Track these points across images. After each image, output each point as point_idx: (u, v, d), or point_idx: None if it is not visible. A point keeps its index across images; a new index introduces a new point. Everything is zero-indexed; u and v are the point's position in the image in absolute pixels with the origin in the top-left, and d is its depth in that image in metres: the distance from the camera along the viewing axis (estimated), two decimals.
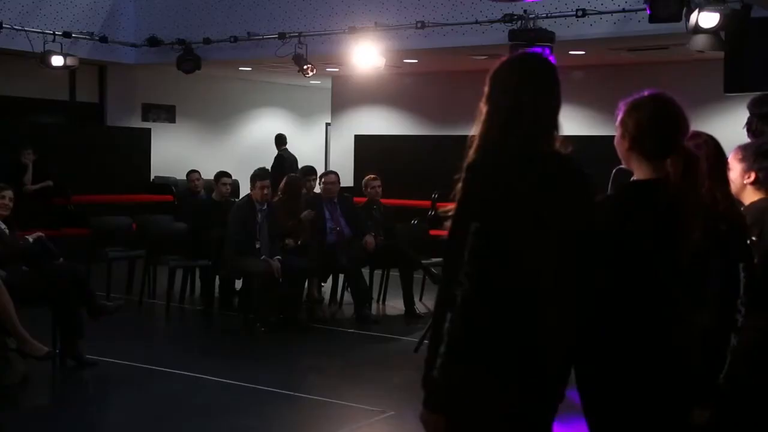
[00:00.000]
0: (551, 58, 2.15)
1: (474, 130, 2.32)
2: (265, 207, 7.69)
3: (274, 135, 13.81)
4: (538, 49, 2.28)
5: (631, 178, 2.81)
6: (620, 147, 2.50)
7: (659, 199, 2.39)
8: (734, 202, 2.81)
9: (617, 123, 2.51)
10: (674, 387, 2.38)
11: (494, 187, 2.19)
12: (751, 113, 3.96)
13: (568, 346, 2.29)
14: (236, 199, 8.89)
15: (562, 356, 2.28)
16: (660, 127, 2.42)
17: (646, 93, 2.48)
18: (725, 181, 2.75)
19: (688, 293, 2.42)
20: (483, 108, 2.31)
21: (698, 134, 2.80)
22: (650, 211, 2.38)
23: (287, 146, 13.63)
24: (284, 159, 13.19)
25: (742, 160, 3.10)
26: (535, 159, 2.26)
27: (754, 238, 2.88)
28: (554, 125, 2.30)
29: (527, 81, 2.29)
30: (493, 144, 2.26)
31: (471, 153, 2.26)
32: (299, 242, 7.87)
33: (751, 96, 4.10)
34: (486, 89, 2.32)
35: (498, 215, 2.17)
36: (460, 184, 2.22)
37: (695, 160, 2.38)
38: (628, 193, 2.46)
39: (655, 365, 2.36)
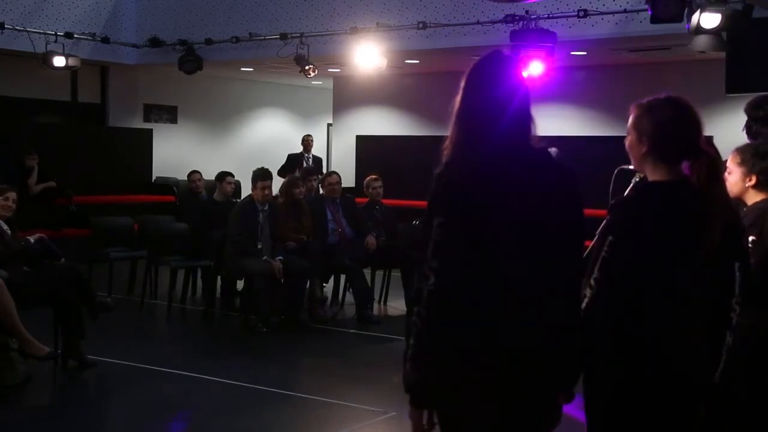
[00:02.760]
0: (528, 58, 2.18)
1: (448, 132, 2.34)
2: (266, 207, 7.69)
3: (302, 137, 13.83)
4: (506, 51, 2.30)
5: (634, 179, 2.81)
6: (635, 150, 2.48)
7: (680, 201, 2.38)
8: (729, 201, 2.81)
9: (629, 126, 2.50)
10: (681, 388, 2.38)
11: (457, 183, 2.21)
12: (748, 116, 3.95)
13: (555, 341, 2.26)
14: (238, 200, 8.90)
15: (540, 350, 2.23)
16: (680, 130, 2.42)
17: (662, 96, 2.47)
18: (720, 180, 2.76)
19: (710, 295, 2.42)
20: (455, 110, 2.33)
21: None
22: (670, 213, 2.38)
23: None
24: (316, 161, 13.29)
25: (741, 164, 3.10)
26: (504, 155, 2.26)
27: (753, 238, 2.88)
28: (525, 121, 2.30)
29: (490, 80, 2.30)
30: (460, 143, 2.28)
31: (444, 156, 2.29)
32: (303, 241, 7.88)
33: (753, 96, 4.08)
34: (459, 92, 2.34)
35: (460, 210, 2.19)
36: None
37: (719, 162, 2.39)
38: (647, 194, 2.45)
39: (667, 367, 2.35)
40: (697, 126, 2.43)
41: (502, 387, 2.22)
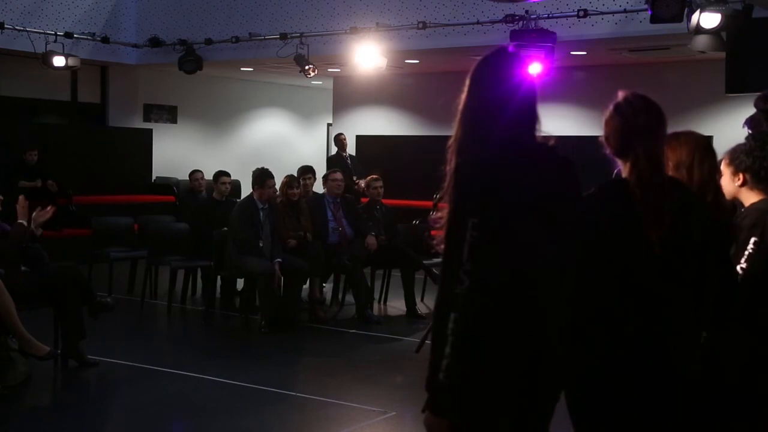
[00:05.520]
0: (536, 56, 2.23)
1: (453, 131, 2.32)
2: (266, 206, 7.71)
3: (335, 136, 13.16)
4: (511, 48, 2.32)
5: None
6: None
7: (620, 199, 2.42)
8: (721, 197, 2.82)
9: None
10: (667, 390, 2.37)
11: (488, 182, 2.18)
12: (758, 109, 3.94)
13: (567, 338, 2.27)
14: (237, 199, 8.91)
15: (561, 353, 2.25)
16: (617, 127, 2.49)
17: (620, 96, 2.53)
18: (713, 176, 2.78)
19: (686, 293, 2.41)
20: (461, 109, 2.32)
21: (677, 135, 2.81)
22: (617, 210, 2.42)
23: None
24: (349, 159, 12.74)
25: (730, 163, 3.10)
26: (522, 151, 2.26)
27: (755, 239, 2.87)
28: (533, 118, 2.31)
29: (497, 77, 2.30)
30: (476, 142, 2.26)
31: (452, 154, 2.26)
32: (303, 238, 7.87)
33: (753, 96, 4.09)
34: (464, 91, 2.33)
35: (495, 210, 2.16)
36: (450, 185, 2.21)
37: (638, 158, 2.41)
38: (601, 191, 2.49)
39: (640, 366, 2.35)
40: (633, 123, 2.46)
41: (537, 392, 2.21)
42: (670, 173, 2.68)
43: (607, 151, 2.52)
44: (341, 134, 12.99)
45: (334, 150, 13.42)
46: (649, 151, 2.42)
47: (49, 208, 6.01)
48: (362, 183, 10.35)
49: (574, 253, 2.27)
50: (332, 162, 12.44)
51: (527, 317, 2.17)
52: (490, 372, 2.15)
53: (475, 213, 2.14)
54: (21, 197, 5.94)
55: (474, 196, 2.17)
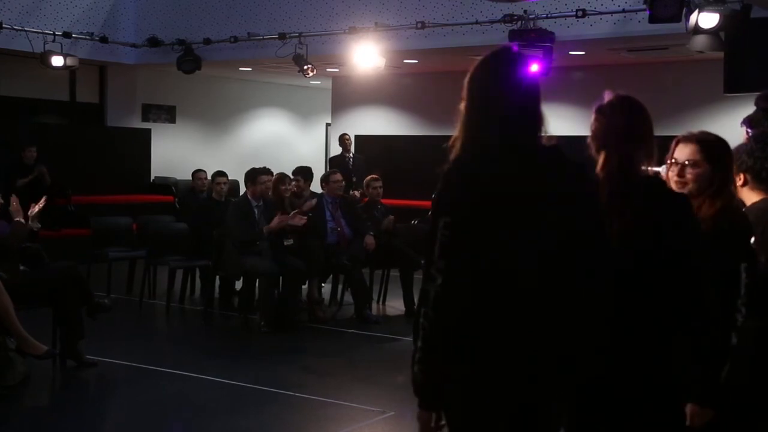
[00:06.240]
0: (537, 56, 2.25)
1: (454, 132, 2.32)
2: (260, 203, 7.74)
3: (339, 136, 12.99)
4: (514, 46, 2.32)
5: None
6: None
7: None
8: (735, 200, 2.82)
9: None
10: (664, 392, 2.37)
11: (465, 182, 2.18)
12: (759, 108, 3.95)
13: (568, 343, 2.23)
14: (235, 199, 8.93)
15: (550, 353, 2.20)
16: (597, 127, 2.54)
17: (605, 97, 2.58)
18: (728, 180, 2.78)
19: (677, 293, 2.41)
20: (461, 109, 2.31)
21: (707, 134, 2.83)
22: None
23: None
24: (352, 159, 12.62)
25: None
26: (512, 153, 2.24)
27: (756, 238, 2.88)
28: (536, 119, 2.29)
29: (497, 77, 2.28)
30: (470, 142, 2.26)
31: (452, 154, 2.27)
32: (301, 227, 7.87)
33: (751, 96, 4.10)
34: (464, 91, 2.32)
35: (468, 210, 2.16)
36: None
37: (610, 157, 2.46)
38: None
39: (620, 364, 2.35)
40: (610, 123, 2.50)
41: (511, 390, 2.19)
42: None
43: (592, 151, 2.54)
44: (345, 134, 12.98)
45: (332, 150, 13.42)
46: (620, 150, 2.45)
47: (41, 201, 6.03)
48: (357, 194, 10.38)
49: (573, 257, 2.24)
50: (334, 162, 12.44)
51: (507, 315, 2.16)
52: (461, 366, 2.17)
53: (448, 212, 2.16)
54: (12, 197, 5.95)
55: (448, 196, 2.19)
